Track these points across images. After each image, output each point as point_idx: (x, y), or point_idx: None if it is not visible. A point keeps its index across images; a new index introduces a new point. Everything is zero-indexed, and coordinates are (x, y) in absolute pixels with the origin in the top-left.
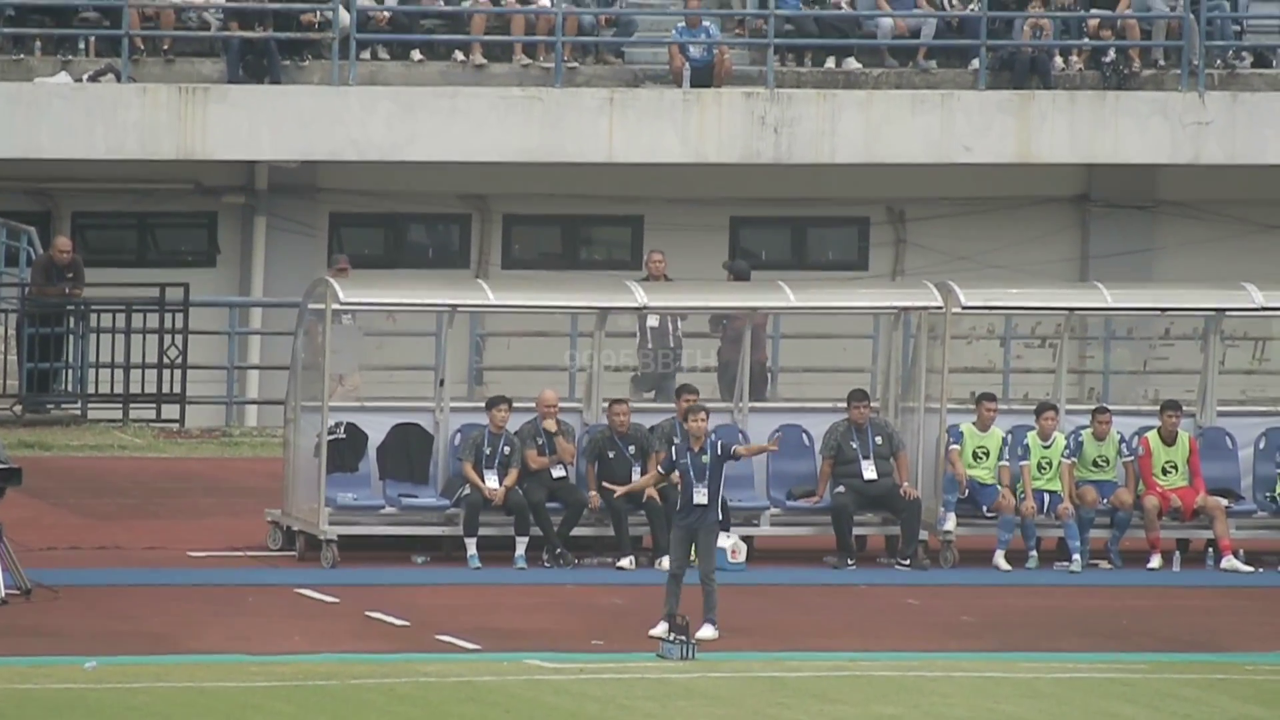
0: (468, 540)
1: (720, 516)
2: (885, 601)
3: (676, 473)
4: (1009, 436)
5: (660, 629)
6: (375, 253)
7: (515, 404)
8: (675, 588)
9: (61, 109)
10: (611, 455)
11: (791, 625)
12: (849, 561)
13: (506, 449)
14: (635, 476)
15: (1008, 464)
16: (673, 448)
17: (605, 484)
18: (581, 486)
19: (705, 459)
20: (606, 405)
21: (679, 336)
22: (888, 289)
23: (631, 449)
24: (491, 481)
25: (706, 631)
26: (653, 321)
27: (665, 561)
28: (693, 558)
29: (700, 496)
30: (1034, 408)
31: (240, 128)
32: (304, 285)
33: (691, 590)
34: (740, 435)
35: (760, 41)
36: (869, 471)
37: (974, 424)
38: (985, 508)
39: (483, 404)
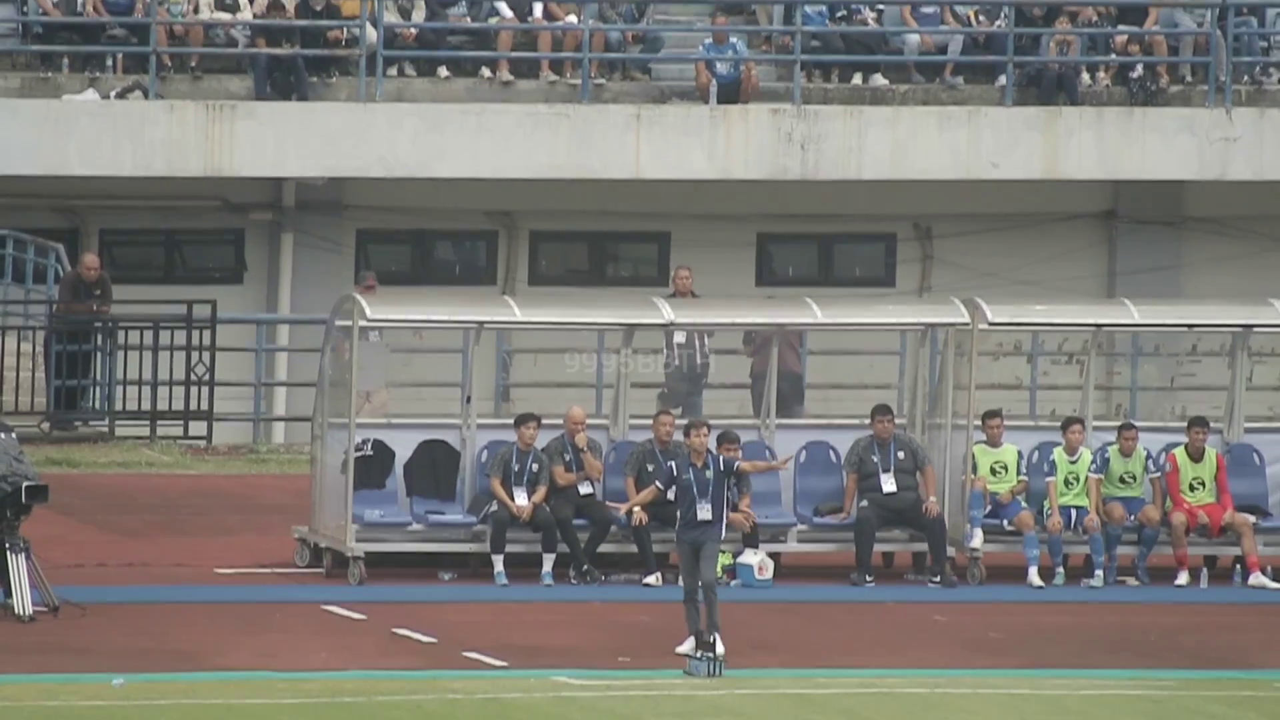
0: (495, 557)
1: (723, 532)
2: (912, 618)
3: (676, 489)
4: (1033, 453)
5: (687, 646)
6: (402, 269)
7: (543, 421)
8: (694, 610)
9: (89, 126)
10: (651, 469)
11: (819, 642)
12: (868, 578)
13: (535, 466)
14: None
15: (1027, 479)
16: (673, 464)
17: (608, 504)
18: (620, 499)
19: (708, 474)
20: (652, 417)
21: (706, 353)
22: (914, 305)
23: (672, 464)
24: (520, 498)
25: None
26: (679, 338)
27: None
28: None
29: (704, 513)
30: (1060, 423)
31: (267, 144)
32: (331, 302)
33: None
34: (766, 452)
35: (787, 58)
36: (888, 484)
37: (983, 442)
38: (1006, 522)
39: (509, 421)
